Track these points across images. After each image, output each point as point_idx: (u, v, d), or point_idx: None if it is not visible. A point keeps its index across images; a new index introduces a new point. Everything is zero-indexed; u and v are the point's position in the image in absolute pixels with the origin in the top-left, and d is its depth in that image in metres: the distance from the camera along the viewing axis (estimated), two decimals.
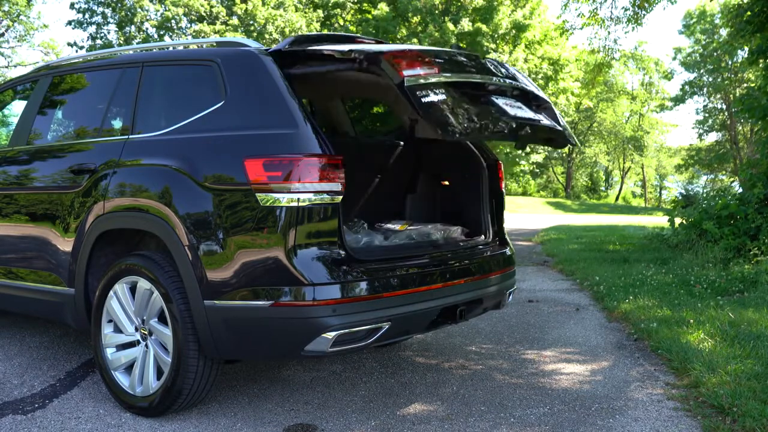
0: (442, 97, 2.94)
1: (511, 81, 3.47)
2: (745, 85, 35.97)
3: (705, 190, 15.37)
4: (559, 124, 3.60)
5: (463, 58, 3.38)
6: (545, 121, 3.50)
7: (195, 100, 3.40)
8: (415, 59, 3.02)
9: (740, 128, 41.32)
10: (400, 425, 3.15)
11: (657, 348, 4.34)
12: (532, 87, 3.62)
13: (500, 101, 3.31)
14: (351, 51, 3.01)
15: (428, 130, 2.93)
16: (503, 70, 3.53)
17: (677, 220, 9.96)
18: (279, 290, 2.80)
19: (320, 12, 31.05)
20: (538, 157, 38.82)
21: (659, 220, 16.25)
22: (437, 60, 3.16)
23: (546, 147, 34.51)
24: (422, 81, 2.91)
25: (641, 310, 5.33)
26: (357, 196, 4.20)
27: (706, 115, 44.66)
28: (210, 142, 3.09)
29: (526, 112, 3.39)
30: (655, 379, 3.83)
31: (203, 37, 28.97)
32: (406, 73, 2.86)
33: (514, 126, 3.22)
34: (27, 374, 3.81)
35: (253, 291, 2.84)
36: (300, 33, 26.07)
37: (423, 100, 2.84)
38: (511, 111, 3.29)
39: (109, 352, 3.33)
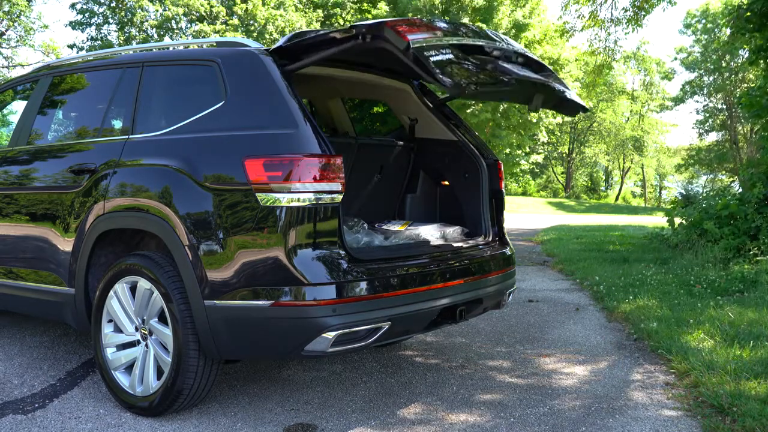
0: (450, 56, 2.89)
1: (514, 47, 3.45)
2: (746, 85, 35.97)
3: (705, 190, 15.36)
4: (567, 88, 3.62)
5: (463, 28, 3.38)
6: (555, 83, 3.51)
7: (195, 100, 3.40)
8: (418, 25, 3.01)
9: (740, 128, 41.30)
10: (400, 425, 3.15)
11: (657, 348, 4.34)
12: (535, 57, 3.63)
13: (507, 65, 3.28)
14: (352, 27, 2.96)
15: (447, 88, 2.79)
16: (505, 39, 3.53)
17: (677, 220, 9.95)
18: (279, 290, 2.80)
19: (320, 12, 31.06)
20: (538, 157, 38.80)
21: (659, 220, 16.22)
22: (440, 25, 3.17)
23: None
24: (427, 43, 2.86)
25: (641, 310, 5.33)
26: (357, 196, 4.20)
27: (707, 115, 44.66)
28: (210, 142, 3.09)
29: (534, 74, 3.39)
30: (655, 379, 3.84)
31: (203, 37, 28.97)
32: (410, 36, 2.81)
33: (525, 85, 3.24)
34: (27, 374, 3.81)
35: (253, 291, 2.84)
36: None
37: (432, 59, 2.78)
38: (521, 72, 3.27)
39: (110, 351, 3.33)
